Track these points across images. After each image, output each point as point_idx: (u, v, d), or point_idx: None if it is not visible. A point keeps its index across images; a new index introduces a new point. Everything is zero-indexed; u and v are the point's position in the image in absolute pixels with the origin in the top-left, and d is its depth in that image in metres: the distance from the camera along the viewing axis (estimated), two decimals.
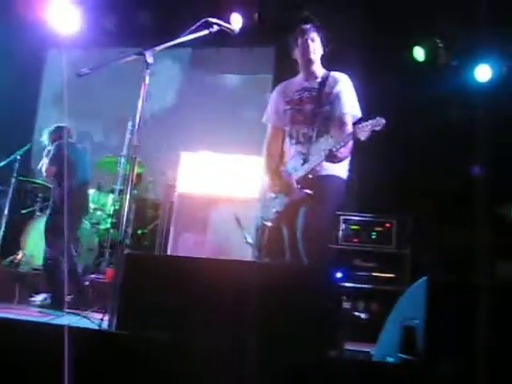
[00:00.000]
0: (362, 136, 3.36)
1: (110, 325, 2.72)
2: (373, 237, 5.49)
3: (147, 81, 3.05)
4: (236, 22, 3.57)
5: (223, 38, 5.37)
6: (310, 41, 3.78)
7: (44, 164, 5.09)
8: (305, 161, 3.64)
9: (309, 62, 3.81)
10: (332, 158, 3.47)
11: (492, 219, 5.90)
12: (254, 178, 5.01)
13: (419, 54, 6.34)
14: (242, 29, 3.84)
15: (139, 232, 6.30)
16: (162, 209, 5.87)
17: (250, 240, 4.70)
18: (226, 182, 5.11)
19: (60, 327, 2.37)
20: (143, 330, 2.46)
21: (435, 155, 6.03)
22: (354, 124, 3.53)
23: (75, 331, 2.35)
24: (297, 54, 3.86)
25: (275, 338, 2.37)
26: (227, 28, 3.48)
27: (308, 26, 3.82)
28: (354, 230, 5.50)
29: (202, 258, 2.85)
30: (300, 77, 3.92)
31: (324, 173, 3.65)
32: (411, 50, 6.37)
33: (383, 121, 3.37)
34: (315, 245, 3.54)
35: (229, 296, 2.43)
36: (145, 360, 2.36)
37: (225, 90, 7.13)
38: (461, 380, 2.22)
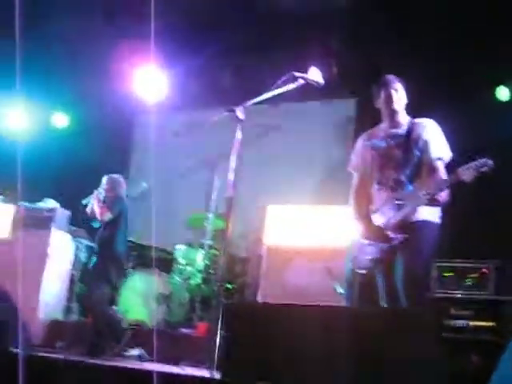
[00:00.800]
0: (467, 177, 3.31)
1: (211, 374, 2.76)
2: (468, 283, 5.29)
3: (239, 136, 3.15)
4: (315, 75, 3.63)
5: (303, 92, 5.54)
6: (393, 91, 3.81)
7: (95, 206, 5.39)
8: (399, 207, 3.62)
9: (393, 112, 3.84)
10: (433, 201, 3.45)
11: None
12: (341, 227, 5.01)
13: (503, 93, 6.23)
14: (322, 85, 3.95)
15: (229, 286, 6.35)
16: (250, 263, 5.92)
17: (341, 290, 4.66)
18: (313, 233, 5.12)
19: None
20: (246, 379, 2.48)
21: None
22: (455, 166, 3.48)
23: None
24: (380, 103, 3.89)
25: None
26: (313, 81, 3.57)
27: (391, 77, 3.87)
28: (447, 277, 5.32)
29: (301, 304, 2.85)
30: (385, 125, 3.93)
31: (419, 218, 3.60)
32: (495, 90, 6.27)
33: (490, 162, 3.31)
34: (416, 292, 3.46)
35: (331, 343, 2.41)
36: None
37: (306, 142, 7.21)
38: None
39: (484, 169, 3.31)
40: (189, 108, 7.43)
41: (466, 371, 4.90)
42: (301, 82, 3.49)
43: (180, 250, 6.23)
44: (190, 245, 6.29)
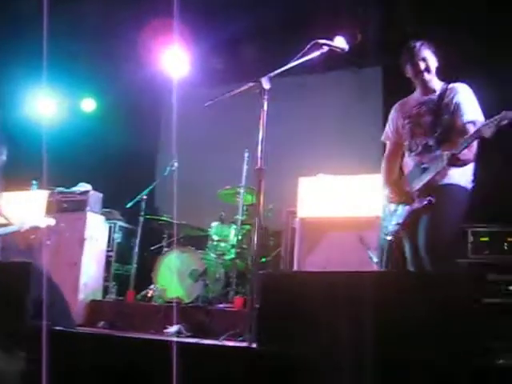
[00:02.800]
0: (487, 133, 3.20)
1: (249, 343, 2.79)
2: (505, 248, 5.22)
3: (265, 107, 3.14)
4: (342, 44, 3.58)
5: (330, 62, 5.46)
6: (421, 62, 3.75)
7: None
8: (425, 170, 3.59)
9: (423, 82, 3.80)
10: (454, 161, 3.37)
11: None
12: (373, 196, 4.97)
13: None
14: (347, 51, 3.89)
15: (263, 260, 6.38)
16: (283, 236, 5.92)
17: (375, 259, 4.64)
18: (346, 203, 5.09)
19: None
20: (281, 348, 2.50)
21: None
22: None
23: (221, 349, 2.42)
24: (410, 72, 3.85)
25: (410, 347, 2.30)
26: (337, 47, 3.53)
27: (418, 45, 3.78)
28: (484, 241, 5.26)
29: (333, 271, 2.84)
30: (417, 92, 3.91)
31: (446, 181, 3.56)
32: None
33: (511, 114, 3.17)
34: (438, 255, 3.42)
35: (351, 308, 2.41)
36: (282, 375, 2.39)
37: (336, 113, 7.15)
38: None
39: (504, 122, 3.17)
40: (215, 84, 7.42)
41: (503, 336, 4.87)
42: (325, 48, 3.44)
43: (213, 226, 6.27)
44: (222, 221, 6.32)
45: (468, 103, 3.67)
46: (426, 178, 3.57)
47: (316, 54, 3.42)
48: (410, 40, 3.82)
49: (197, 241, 6.59)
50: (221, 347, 3.11)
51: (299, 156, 6.82)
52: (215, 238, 6.22)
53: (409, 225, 3.66)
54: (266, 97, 3.14)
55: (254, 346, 2.69)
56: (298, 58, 3.37)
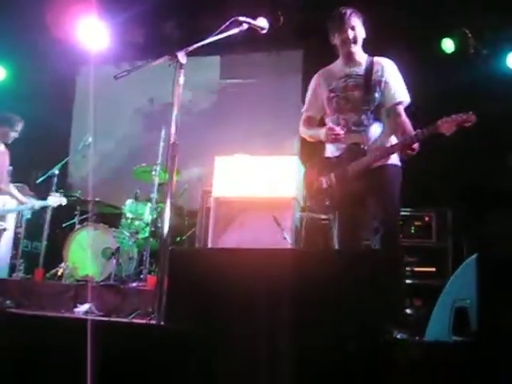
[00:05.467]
0: (448, 131, 3.25)
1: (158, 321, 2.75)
2: (412, 231, 5.43)
3: (181, 81, 3.08)
4: (263, 24, 3.56)
5: (251, 42, 5.43)
6: (350, 30, 3.62)
7: None
8: (363, 151, 3.55)
9: (349, 52, 3.67)
10: (405, 153, 3.44)
11: None
12: (289, 177, 5.02)
13: (448, 45, 6.28)
14: (269, 33, 3.84)
15: (177, 240, 6.33)
16: (198, 215, 5.89)
17: (289, 239, 4.70)
18: (261, 184, 5.10)
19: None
20: (189, 326, 2.48)
21: (471, 147, 5.94)
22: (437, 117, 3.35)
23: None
24: (336, 40, 3.70)
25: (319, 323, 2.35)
26: (257, 26, 3.49)
27: (348, 12, 3.64)
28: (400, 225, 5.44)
29: (246, 248, 2.85)
30: (340, 63, 3.77)
31: (389, 162, 3.57)
32: (440, 42, 6.31)
33: (473, 117, 3.22)
34: (395, 232, 3.50)
35: (269, 284, 2.42)
36: (184, 351, 2.37)
37: (254, 94, 7.15)
38: None
39: (468, 124, 3.21)
40: (132, 58, 7.22)
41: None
42: (245, 26, 3.40)
43: (127, 204, 6.15)
44: (137, 199, 6.21)
45: (396, 82, 3.63)
46: (368, 159, 3.52)
47: (235, 31, 3.37)
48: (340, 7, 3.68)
49: (111, 218, 6.45)
50: (128, 325, 3.06)
51: (217, 136, 6.78)
52: (129, 215, 6.11)
53: (344, 205, 3.61)
54: (182, 71, 3.07)
55: (162, 323, 2.66)
56: (216, 34, 3.31)
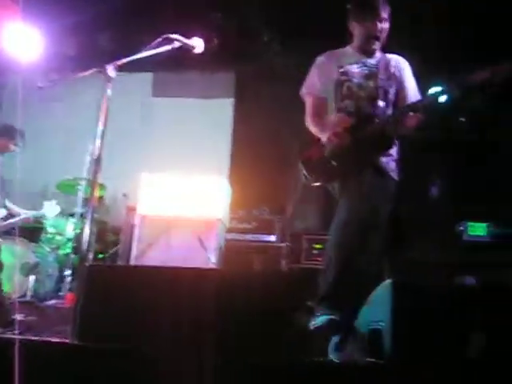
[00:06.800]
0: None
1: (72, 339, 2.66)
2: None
3: (109, 95, 3.03)
4: (198, 44, 3.57)
5: (185, 61, 5.42)
6: (380, 22, 3.29)
7: None
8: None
9: (373, 44, 3.36)
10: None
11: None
12: (215, 198, 5.03)
13: None
14: (203, 53, 3.83)
15: (100, 256, 6.19)
16: (122, 232, 5.79)
17: (213, 260, 4.70)
18: (187, 203, 5.08)
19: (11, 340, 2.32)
20: (103, 340, 2.42)
21: None
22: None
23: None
24: (359, 28, 3.37)
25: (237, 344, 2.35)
26: (189, 45, 3.49)
27: (381, 1, 3.30)
28: (318, 248, 5.52)
29: (165, 266, 2.81)
30: (353, 50, 3.45)
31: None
32: None
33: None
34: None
35: (192, 303, 2.40)
36: (100, 371, 2.32)
37: (186, 113, 7.13)
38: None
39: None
40: (64, 69, 7.07)
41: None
42: (176, 44, 3.40)
43: (49, 218, 5.96)
44: (60, 213, 6.03)
45: (412, 84, 3.41)
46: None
47: (166, 48, 3.35)
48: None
49: (30, 232, 6.22)
50: (45, 343, 2.94)
51: (146, 153, 6.70)
52: (51, 230, 5.92)
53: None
54: (110, 85, 3.02)
55: (74, 341, 2.57)
56: (147, 50, 3.29)
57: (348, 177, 3.23)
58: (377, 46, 3.36)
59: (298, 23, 6.23)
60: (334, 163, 3.23)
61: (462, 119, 5.90)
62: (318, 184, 3.37)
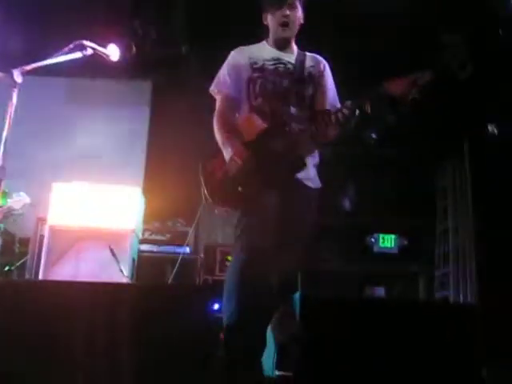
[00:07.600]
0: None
1: None
2: None
3: (14, 100, 2.92)
4: (113, 52, 3.51)
5: (100, 68, 5.30)
6: (288, 10, 3.05)
7: None
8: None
9: (286, 37, 3.13)
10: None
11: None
12: (128, 208, 4.94)
13: None
14: (119, 61, 3.72)
15: (6, 269, 5.90)
16: (31, 243, 5.56)
17: (125, 272, 4.60)
18: (99, 213, 4.96)
19: None
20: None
21: None
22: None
23: None
24: (270, 19, 3.13)
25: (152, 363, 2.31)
26: (102, 53, 3.44)
27: None
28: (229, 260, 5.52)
29: (68, 281, 2.71)
30: (268, 45, 3.19)
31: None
32: None
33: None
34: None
35: (102, 319, 2.34)
36: None
37: (100, 121, 6.96)
38: None
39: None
40: None
41: None
42: (89, 51, 3.33)
43: None
44: None
45: (332, 86, 3.17)
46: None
47: (78, 55, 3.28)
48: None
49: None
50: None
51: (56, 162, 6.48)
52: None
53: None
54: (15, 90, 2.91)
55: None
56: (58, 56, 3.20)
57: (252, 201, 2.79)
58: (288, 33, 3.10)
59: (219, 36, 6.25)
60: (239, 188, 2.81)
61: (373, 135, 6.11)
62: (219, 207, 3.01)
